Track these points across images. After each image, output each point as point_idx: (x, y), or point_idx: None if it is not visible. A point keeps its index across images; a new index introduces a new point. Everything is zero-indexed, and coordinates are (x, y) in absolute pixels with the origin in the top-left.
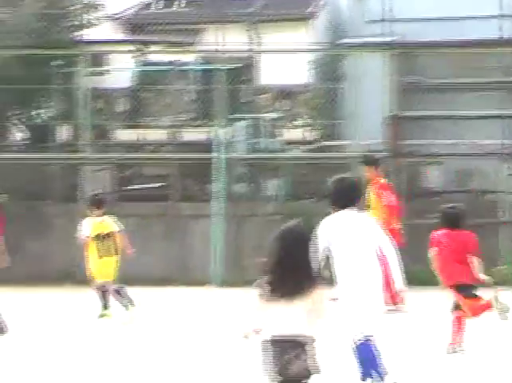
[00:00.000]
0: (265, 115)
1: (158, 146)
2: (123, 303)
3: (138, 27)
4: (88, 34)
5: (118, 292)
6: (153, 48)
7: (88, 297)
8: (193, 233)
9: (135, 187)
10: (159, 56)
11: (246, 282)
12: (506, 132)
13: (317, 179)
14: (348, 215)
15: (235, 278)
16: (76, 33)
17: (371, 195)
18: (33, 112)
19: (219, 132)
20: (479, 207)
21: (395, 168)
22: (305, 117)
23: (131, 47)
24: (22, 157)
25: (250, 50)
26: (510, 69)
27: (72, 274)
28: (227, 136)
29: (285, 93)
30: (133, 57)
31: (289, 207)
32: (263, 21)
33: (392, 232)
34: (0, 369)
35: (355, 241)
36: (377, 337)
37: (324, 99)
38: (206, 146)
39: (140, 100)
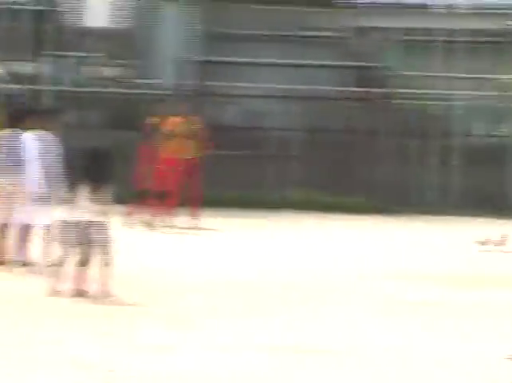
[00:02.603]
0: (78, 54)
1: None
2: None
3: None
4: None
5: None
6: None
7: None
8: None
9: None
10: None
11: None
12: (289, 78)
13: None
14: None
15: None
16: None
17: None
18: None
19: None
20: (257, 140)
21: (201, 106)
22: (114, 57)
23: None
24: None
25: None
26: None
27: None
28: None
29: (99, 35)
30: None
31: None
32: None
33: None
34: None
35: None
36: None
37: (133, 41)
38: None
39: None
